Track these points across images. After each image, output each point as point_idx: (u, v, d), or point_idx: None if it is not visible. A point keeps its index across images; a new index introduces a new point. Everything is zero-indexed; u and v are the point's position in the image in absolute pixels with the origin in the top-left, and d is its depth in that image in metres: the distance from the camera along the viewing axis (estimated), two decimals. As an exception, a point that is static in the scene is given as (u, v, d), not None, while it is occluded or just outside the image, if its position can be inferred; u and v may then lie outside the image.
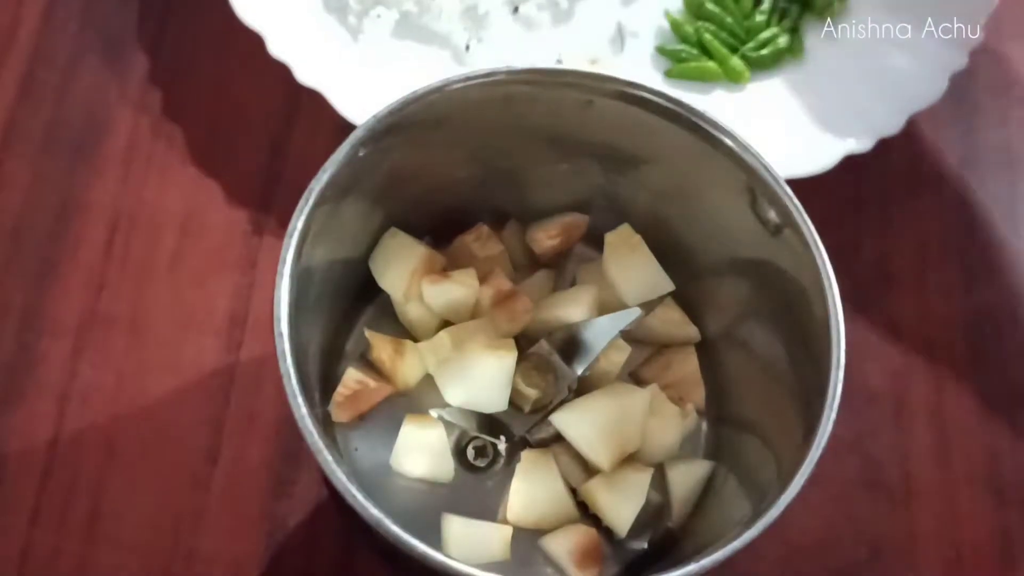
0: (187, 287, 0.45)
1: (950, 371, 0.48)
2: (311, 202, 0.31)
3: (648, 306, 0.40)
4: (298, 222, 0.31)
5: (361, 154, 0.32)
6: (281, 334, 0.29)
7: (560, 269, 0.42)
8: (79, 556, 0.41)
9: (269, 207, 0.47)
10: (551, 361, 0.38)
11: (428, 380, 0.38)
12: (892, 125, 0.49)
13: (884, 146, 0.49)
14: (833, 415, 0.31)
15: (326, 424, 0.38)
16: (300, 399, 0.29)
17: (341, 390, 0.38)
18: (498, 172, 0.40)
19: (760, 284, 0.37)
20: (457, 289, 0.38)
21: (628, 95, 0.34)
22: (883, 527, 0.45)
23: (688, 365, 0.40)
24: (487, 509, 0.38)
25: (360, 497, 0.28)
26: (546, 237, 0.40)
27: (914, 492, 0.46)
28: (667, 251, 0.40)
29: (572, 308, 0.39)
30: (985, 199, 0.52)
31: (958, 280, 0.50)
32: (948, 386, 0.48)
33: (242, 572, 0.41)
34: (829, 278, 0.32)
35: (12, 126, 0.48)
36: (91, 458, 0.42)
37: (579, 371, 0.38)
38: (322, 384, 0.38)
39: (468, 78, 0.33)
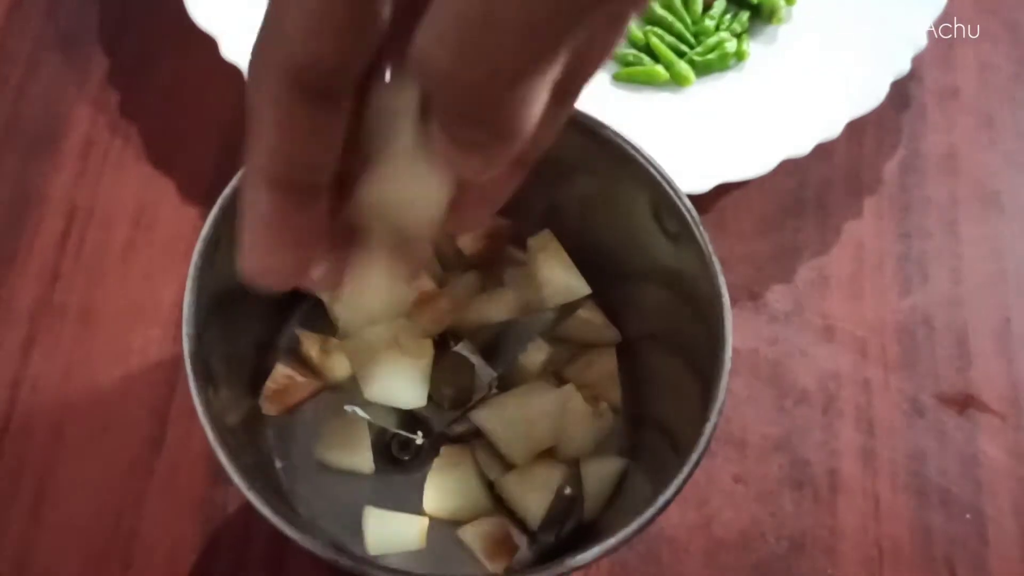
0: (137, 279, 0.47)
1: (881, 373, 0.49)
2: (218, 207, 0.32)
3: (571, 308, 0.42)
4: (209, 230, 0.32)
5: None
6: (188, 335, 0.31)
7: (491, 270, 0.43)
8: (24, 536, 0.42)
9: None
10: (471, 360, 0.39)
11: (355, 377, 0.40)
12: (831, 130, 0.49)
13: (826, 149, 0.50)
14: (714, 419, 0.33)
15: (256, 417, 0.40)
16: (200, 398, 0.30)
17: (270, 384, 0.39)
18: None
19: (672, 290, 0.38)
20: (381, 291, 0.39)
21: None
22: (806, 523, 0.46)
23: (607, 365, 0.41)
24: (411, 501, 0.40)
25: (252, 494, 0.30)
26: (473, 240, 0.42)
27: (839, 490, 0.47)
28: (590, 256, 0.41)
29: (494, 309, 0.40)
30: (925, 204, 0.53)
31: (892, 284, 0.51)
32: (877, 388, 0.49)
33: (180, 555, 0.43)
34: (721, 286, 0.34)
35: (-26, 120, 0.49)
36: (39, 443, 0.44)
37: (498, 370, 0.39)
38: (254, 378, 0.40)
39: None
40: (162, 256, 0.48)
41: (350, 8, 0.19)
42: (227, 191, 0.33)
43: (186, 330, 0.31)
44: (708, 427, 0.33)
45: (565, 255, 0.40)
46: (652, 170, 0.35)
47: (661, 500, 0.32)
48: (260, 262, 0.23)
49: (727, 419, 0.47)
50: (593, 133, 0.36)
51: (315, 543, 0.29)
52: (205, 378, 0.31)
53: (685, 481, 0.33)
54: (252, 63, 0.21)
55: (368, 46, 0.20)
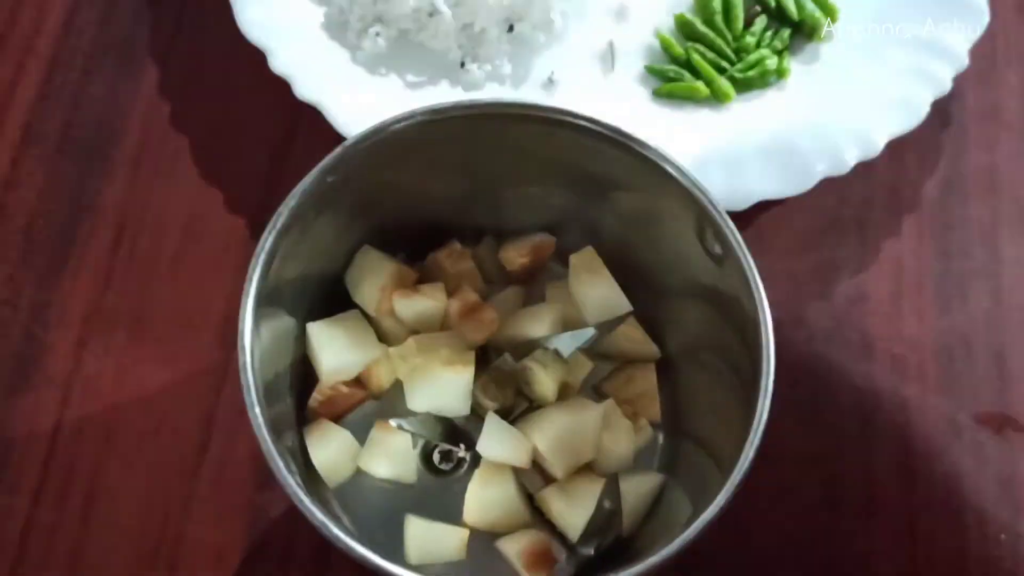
0: (187, 287, 0.48)
1: (918, 392, 0.49)
2: (278, 226, 0.33)
3: (612, 324, 0.42)
4: (265, 243, 0.33)
5: (330, 180, 0.35)
6: (244, 348, 0.32)
7: (531, 286, 0.44)
8: (76, 535, 0.44)
9: (268, 215, 0.49)
10: (513, 374, 0.40)
11: (400, 386, 0.41)
12: (872, 149, 0.50)
13: (866, 167, 0.50)
14: (757, 441, 0.33)
15: (302, 426, 0.41)
16: (257, 409, 0.31)
17: (316, 395, 0.40)
18: (473, 192, 0.42)
19: (713, 307, 0.39)
20: (425, 302, 0.40)
21: (579, 127, 0.36)
22: (842, 542, 0.46)
23: (647, 381, 0.42)
24: (452, 511, 0.40)
25: (305, 498, 0.30)
26: (517, 256, 0.42)
27: (875, 510, 0.47)
28: (632, 273, 0.42)
29: (536, 324, 0.41)
30: (965, 223, 0.53)
31: (932, 303, 0.51)
32: (915, 407, 0.49)
33: (225, 557, 0.44)
34: (764, 309, 0.34)
35: (30, 128, 0.51)
36: (90, 444, 0.45)
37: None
38: (301, 387, 0.41)
39: (433, 111, 0.35)
40: (211, 265, 0.49)
41: None
42: (284, 207, 0.34)
43: (244, 343, 0.32)
44: (750, 448, 0.33)
45: (607, 272, 0.41)
46: (696, 190, 0.35)
47: (704, 520, 0.33)
48: None
49: (763, 436, 0.48)
50: (635, 151, 0.36)
51: (368, 551, 0.30)
52: (259, 388, 0.31)
53: (729, 502, 0.33)
54: None
55: None
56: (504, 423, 0.38)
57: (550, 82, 0.52)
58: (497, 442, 0.37)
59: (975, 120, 0.55)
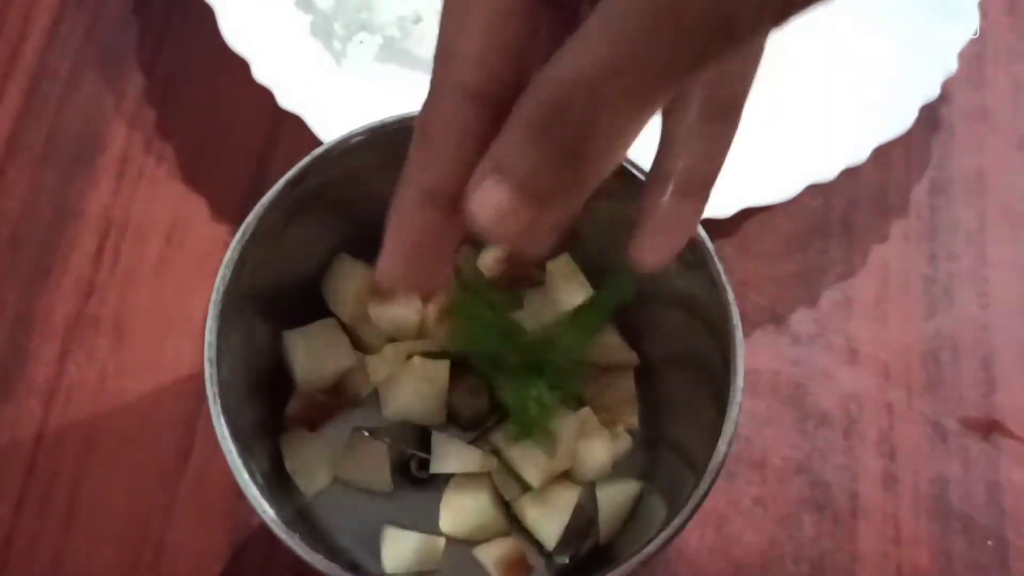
0: (169, 293, 0.48)
1: (904, 396, 0.49)
2: (247, 236, 0.33)
3: (589, 330, 0.42)
4: (233, 254, 0.33)
5: (299, 188, 0.35)
6: (211, 360, 0.32)
7: (510, 293, 0.44)
8: (57, 544, 0.44)
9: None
10: (487, 382, 0.40)
11: (377, 394, 0.41)
12: (857, 156, 0.49)
13: (853, 170, 0.50)
14: (727, 446, 0.33)
15: (277, 434, 0.41)
16: (223, 419, 0.31)
17: (293, 403, 0.40)
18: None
19: (689, 314, 0.39)
20: (400, 310, 0.40)
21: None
22: (826, 547, 0.46)
23: (625, 388, 0.42)
24: (428, 520, 0.40)
25: (269, 509, 0.30)
26: (495, 262, 0.42)
27: (859, 514, 0.47)
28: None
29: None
30: (952, 226, 0.53)
31: (918, 306, 0.51)
32: (901, 411, 0.49)
33: (206, 565, 0.44)
34: (733, 314, 0.34)
35: (15, 136, 0.51)
36: (72, 452, 0.45)
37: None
38: (278, 396, 0.41)
39: (402, 119, 0.35)
40: (194, 271, 0.49)
41: (517, 38, 0.22)
42: (250, 217, 0.34)
43: (207, 353, 0.32)
44: (719, 452, 0.33)
45: (582, 279, 0.41)
46: (667, 199, 0.35)
47: (675, 523, 0.33)
48: (399, 270, 0.25)
49: (747, 441, 0.48)
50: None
51: (331, 565, 0.30)
52: (227, 398, 0.32)
53: (698, 506, 0.33)
54: (432, 88, 0.23)
55: (529, 64, 0.23)
56: (451, 438, 0.38)
57: None
58: (446, 456, 0.38)
59: (963, 122, 0.55)
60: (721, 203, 0.48)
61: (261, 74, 0.48)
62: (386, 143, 0.36)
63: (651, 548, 0.33)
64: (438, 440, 0.39)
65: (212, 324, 0.32)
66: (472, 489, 0.39)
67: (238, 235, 0.33)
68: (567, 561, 0.39)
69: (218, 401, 0.31)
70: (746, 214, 0.49)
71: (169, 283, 0.49)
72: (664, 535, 0.33)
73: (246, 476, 0.31)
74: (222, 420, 0.31)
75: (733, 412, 0.33)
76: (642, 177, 0.36)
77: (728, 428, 0.33)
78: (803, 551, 0.46)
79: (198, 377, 0.47)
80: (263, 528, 0.44)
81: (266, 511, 0.30)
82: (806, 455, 0.48)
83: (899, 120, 0.50)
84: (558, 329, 0.39)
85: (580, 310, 0.39)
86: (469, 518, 0.39)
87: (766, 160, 0.50)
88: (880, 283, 0.51)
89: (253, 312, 0.36)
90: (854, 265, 0.52)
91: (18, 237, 0.49)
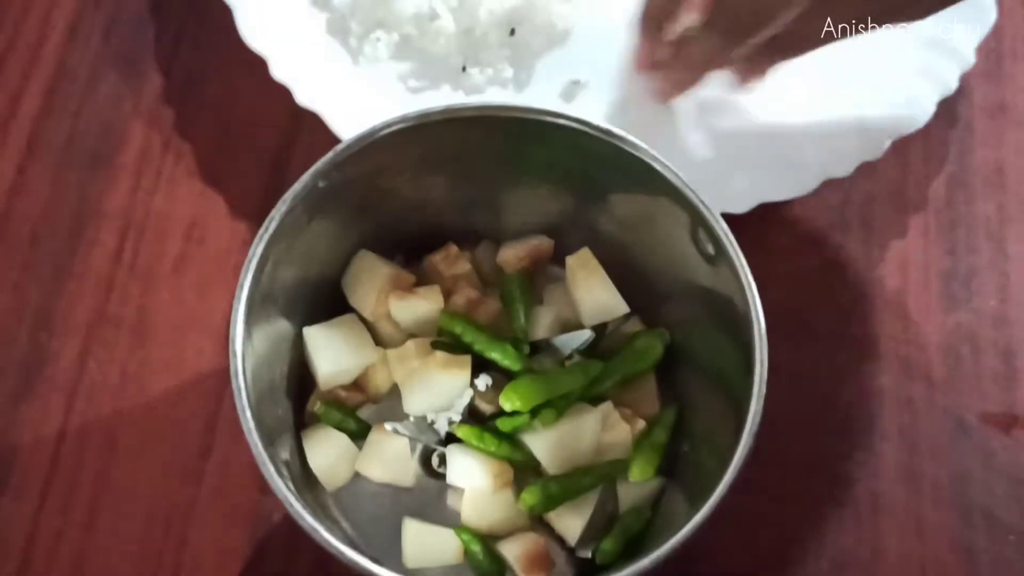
0: (189, 292, 0.48)
1: (924, 391, 0.49)
2: (269, 232, 0.33)
3: (612, 324, 0.42)
4: (256, 250, 0.33)
5: (321, 185, 0.35)
6: (235, 353, 0.32)
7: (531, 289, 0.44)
8: (80, 541, 0.44)
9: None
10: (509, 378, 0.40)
11: (398, 389, 0.41)
12: (874, 150, 0.49)
13: (871, 165, 0.50)
14: (750, 440, 0.33)
15: (302, 429, 0.41)
16: (248, 413, 0.31)
17: (314, 399, 0.40)
18: (471, 195, 0.42)
19: (709, 308, 0.39)
20: (422, 304, 0.40)
21: (571, 129, 0.36)
22: (848, 543, 0.46)
23: (646, 384, 0.42)
24: (450, 515, 0.40)
25: (296, 502, 0.30)
26: (515, 258, 0.42)
27: (881, 510, 0.47)
28: (630, 275, 0.42)
29: (533, 327, 0.41)
30: (972, 220, 0.52)
31: (938, 301, 0.51)
32: (921, 406, 0.49)
33: (227, 562, 0.44)
34: (756, 308, 0.34)
35: (36, 136, 0.51)
36: (94, 451, 0.45)
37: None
38: (300, 392, 0.41)
39: (421, 115, 0.35)
40: (213, 269, 0.49)
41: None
42: (276, 212, 0.34)
43: (233, 347, 0.32)
44: (741, 449, 0.33)
45: (604, 274, 0.41)
46: (687, 190, 0.35)
47: (696, 520, 0.33)
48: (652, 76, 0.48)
49: (768, 437, 0.47)
50: (627, 152, 0.36)
51: (357, 555, 0.30)
52: (251, 393, 0.32)
53: (719, 503, 0.33)
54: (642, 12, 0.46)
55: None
56: (467, 451, 0.39)
57: (574, 85, 0.52)
58: (463, 470, 0.38)
59: (982, 116, 0.55)
60: (739, 199, 0.48)
61: (279, 71, 0.48)
62: (406, 139, 0.36)
63: (674, 542, 0.33)
64: (453, 453, 0.39)
65: (237, 317, 0.32)
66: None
67: (263, 229, 0.34)
68: (589, 556, 0.39)
69: (243, 394, 0.31)
70: (763, 208, 0.49)
71: (188, 281, 0.49)
72: (683, 532, 0.33)
73: (271, 469, 0.31)
74: (248, 414, 0.31)
75: (753, 410, 0.33)
76: (655, 167, 0.36)
77: (748, 427, 0.33)
78: (825, 548, 0.46)
79: (218, 375, 0.47)
80: (284, 525, 0.45)
81: (292, 504, 0.30)
82: (827, 451, 0.48)
83: (917, 114, 0.50)
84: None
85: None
86: (490, 513, 0.39)
87: (784, 156, 0.50)
88: (899, 278, 0.51)
89: (275, 308, 0.36)
90: (873, 260, 0.51)
91: (39, 236, 0.49)
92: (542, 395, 0.37)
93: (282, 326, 0.38)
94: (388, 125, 0.35)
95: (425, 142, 0.37)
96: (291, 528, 0.45)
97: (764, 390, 0.33)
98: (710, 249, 0.35)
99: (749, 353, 0.35)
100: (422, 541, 0.39)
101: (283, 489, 0.31)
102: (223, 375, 0.47)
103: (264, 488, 0.45)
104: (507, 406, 0.37)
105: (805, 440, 0.48)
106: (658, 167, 0.35)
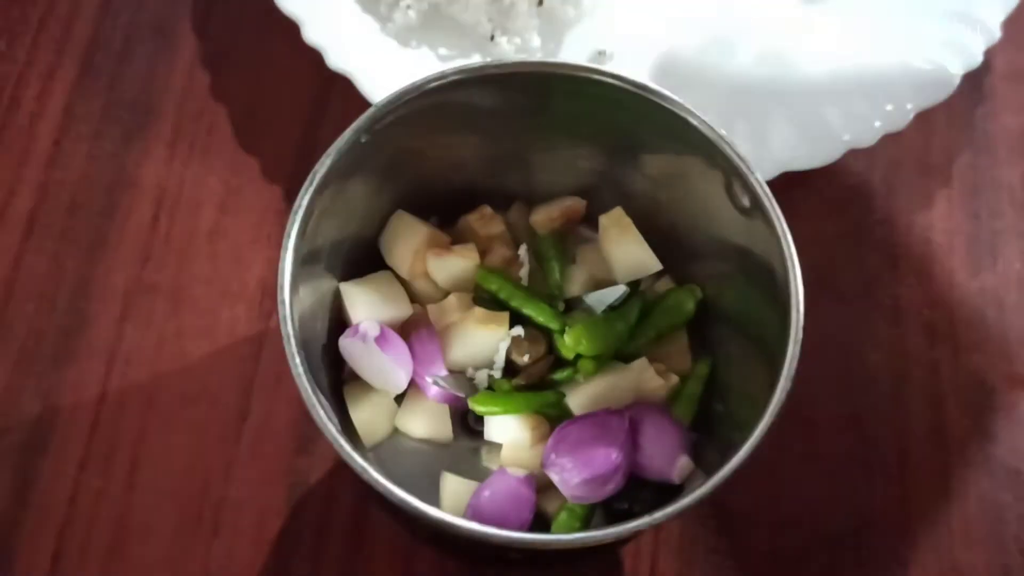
0: (224, 260, 0.49)
1: (950, 354, 0.49)
2: (315, 184, 0.34)
3: (644, 283, 0.43)
4: (302, 201, 0.34)
5: (363, 140, 0.35)
6: (284, 301, 0.33)
7: (564, 249, 0.44)
8: (121, 500, 0.45)
9: (301, 186, 0.50)
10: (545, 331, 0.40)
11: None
12: (899, 121, 0.50)
13: (895, 132, 0.50)
14: (781, 395, 0.34)
15: (337, 390, 0.41)
16: (298, 359, 0.32)
17: (352, 356, 0.41)
18: (504, 156, 0.42)
19: (743, 264, 0.39)
20: (459, 262, 0.41)
21: (604, 84, 0.36)
22: (876, 501, 0.47)
23: (679, 340, 0.42)
24: (486, 471, 0.41)
25: (345, 444, 0.31)
26: (548, 219, 0.43)
27: (908, 469, 0.47)
28: (662, 233, 0.42)
29: (567, 285, 0.42)
30: (995, 185, 0.53)
31: (963, 265, 0.51)
32: (947, 369, 0.49)
33: (266, 520, 0.45)
34: (793, 261, 0.35)
35: (71, 108, 0.52)
36: (133, 413, 0.46)
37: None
38: (337, 353, 0.42)
39: (462, 70, 0.36)
40: (247, 238, 0.50)
41: None
42: (318, 167, 0.34)
43: (283, 297, 0.33)
44: (775, 401, 0.34)
45: (636, 231, 0.41)
46: (722, 142, 0.36)
47: (727, 468, 0.33)
48: None
49: (796, 397, 0.48)
50: (660, 105, 0.37)
51: (407, 495, 0.30)
52: (298, 339, 0.32)
53: (751, 452, 0.33)
54: None
55: None
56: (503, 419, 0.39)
57: (600, 55, 0.53)
58: (500, 425, 0.39)
59: (1004, 82, 0.55)
60: (762, 167, 0.48)
61: (312, 35, 0.49)
62: (443, 97, 0.37)
63: (706, 488, 0.33)
64: (489, 420, 0.39)
65: (285, 266, 0.33)
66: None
67: (308, 180, 0.34)
68: (625, 508, 0.40)
69: (292, 341, 0.32)
70: (787, 175, 0.49)
71: (223, 249, 0.50)
72: (715, 479, 0.33)
73: (321, 412, 0.31)
74: (297, 360, 0.32)
75: (789, 362, 0.34)
76: (689, 119, 0.36)
77: (783, 379, 0.34)
78: (853, 505, 0.46)
79: (253, 340, 0.48)
80: (321, 485, 0.46)
81: (342, 445, 0.31)
82: (854, 412, 0.48)
83: (942, 87, 0.50)
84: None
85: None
86: (528, 467, 0.39)
87: (808, 124, 0.50)
88: (924, 242, 0.52)
89: (318, 261, 0.37)
90: (898, 225, 0.52)
91: (76, 205, 0.50)
92: (604, 339, 0.38)
93: (323, 283, 0.39)
94: (431, 80, 0.36)
95: (462, 100, 0.37)
96: (328, 489, 0.46)
97: (800, 335, 0.34)
98: (745, 202, 0.36)
99: (784, 307, 0.35)
100: (461, 494, 0.39)
101: (332, 431, 0.31)
102: (258, 340, 0.48)
103: (300, 449, 0.46)
104: (574, 351, 0.38)
105: (832, 400, 0.48)
106: (694, 121, 0.36)
